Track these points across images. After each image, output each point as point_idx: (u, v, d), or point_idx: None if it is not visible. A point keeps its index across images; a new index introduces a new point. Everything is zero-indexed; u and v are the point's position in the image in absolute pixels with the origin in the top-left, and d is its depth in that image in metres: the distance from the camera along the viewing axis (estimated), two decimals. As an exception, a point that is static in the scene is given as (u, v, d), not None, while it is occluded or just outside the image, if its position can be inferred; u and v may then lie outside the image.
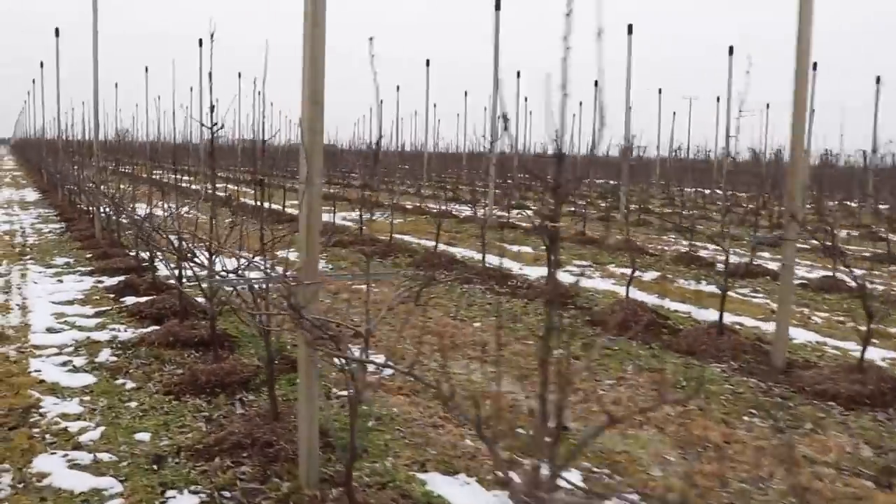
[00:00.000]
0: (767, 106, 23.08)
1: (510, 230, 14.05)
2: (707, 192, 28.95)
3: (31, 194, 21.08)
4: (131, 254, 9.31)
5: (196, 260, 4.90)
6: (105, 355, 5.36)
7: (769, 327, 6.98)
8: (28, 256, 9.75)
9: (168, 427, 4.05)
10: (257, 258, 4.20)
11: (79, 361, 5.22)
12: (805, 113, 5.20)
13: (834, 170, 26.00)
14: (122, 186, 9.20)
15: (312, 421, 3.27)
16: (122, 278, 7.99)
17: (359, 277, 5.16)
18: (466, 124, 34.62)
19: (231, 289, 4.11)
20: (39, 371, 4.98)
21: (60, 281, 8.09)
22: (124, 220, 8.62)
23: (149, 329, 6.00)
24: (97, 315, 6.55)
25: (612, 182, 25.16)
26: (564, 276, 9.50)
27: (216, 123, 4.43)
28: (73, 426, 4.04)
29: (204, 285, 4.80)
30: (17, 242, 11.07)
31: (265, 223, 4.18)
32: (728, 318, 7.34)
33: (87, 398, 4.50)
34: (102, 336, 5.85)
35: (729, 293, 9.14)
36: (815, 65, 19.60)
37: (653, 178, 29.72)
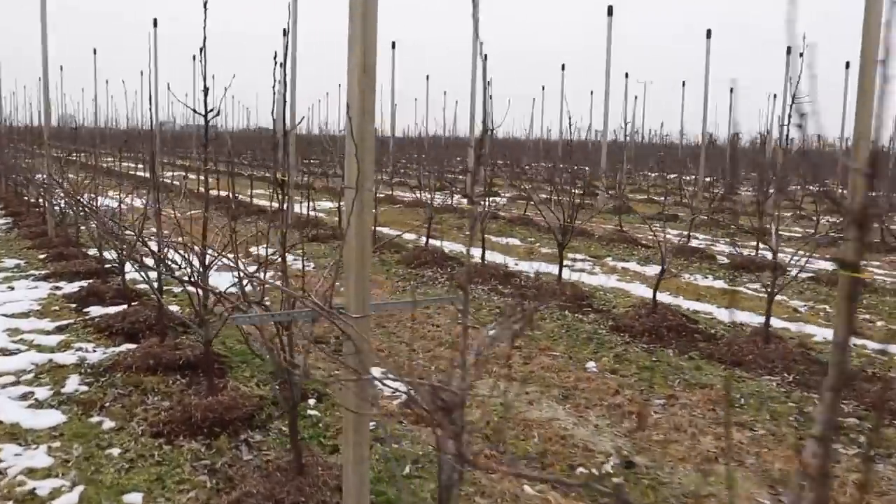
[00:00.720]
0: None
1: (491, 220, 13.40)
2: (671, 176, 28.82)
3: (-29, 185, 19.62)
4: (91, 253, 8.39)
5: (178, 266, 4.13)
6: (73, 383, 4.54)
7: (800, 328, 6.50)
8: (-28, 258, 8.73)
9: (163, 483, 3.30)
10: (259, 271, 3.46)
11: (42, 393, 4.39)
12: (871, 105, 4.64)
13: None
14: (79, 178, 8.24)
15: (362, 488, 2.57)
16: (83, 284, 7.10)
17: (411, 305, 4.43)
18: (428, 110, 33.79)
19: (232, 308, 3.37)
20: (-5, 408, 4.15)
21: (11, 288, 7.15)
22: (84, 216, 7.70)
23: (122, 348, 5.18)
24: (59, 331, 5.69)
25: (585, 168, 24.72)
26: (565, 272, 8.90)
27: (212, 109, 3.65)
28: (43, 487, 3.26)
29: (199, 296, 4.03)
30: (-41, 241, 9.98)
31: (241, 218, 3.43)
32: (745, 317, 6.85)
33: (56, 444, 3.70)
34: (68, 358, 5.01)
35: (740, 288, 8.73)
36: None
37: (617, 163, 29.27)
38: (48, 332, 5.64)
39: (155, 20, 18.72)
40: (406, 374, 2.39)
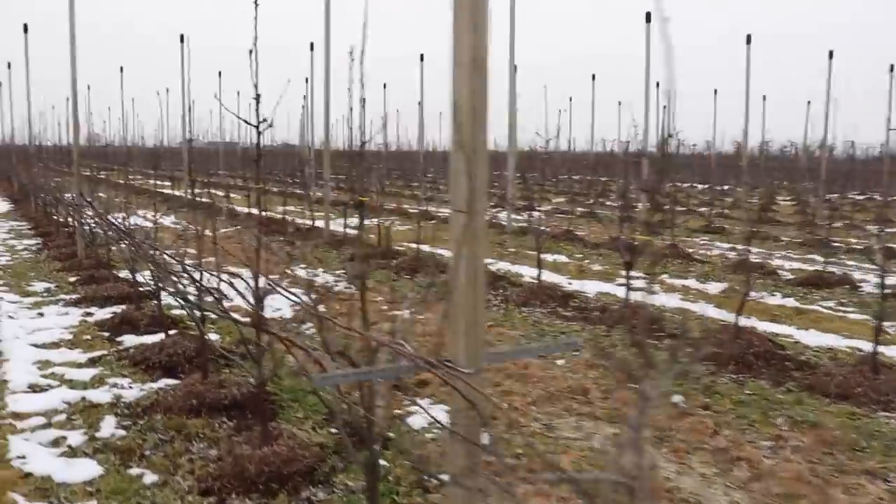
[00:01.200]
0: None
1: (528, 235, 12.85)
2: (685, 185, 28.04)
3: (1, 204, 19.49)
4: (122, 275, 7.99)
5: (223, 296, 3.67)
6: (109, 426, 4.09)
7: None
8: (0, 282, 8.37)
9: (217, 556, 2.81)
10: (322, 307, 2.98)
11: (76, 438, 3.94)
12: None
13: None
14: (111, 197, 7.86)
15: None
16: (115, 310, 6.69)
17: (531, 354, 3.91)
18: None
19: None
20: (24, 458, 3.70)
21: (41, 314, 6.75)
22: (116, 238, 7.31)
23: (160, 384, 4.73)
24: (91, 363, 5.25)
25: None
26: (621, 290, 8.35)
27: (264, 120, 3.18)
28: (79, 561, 2.78)
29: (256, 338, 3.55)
30: (-13, 264, 9.66)
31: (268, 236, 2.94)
32: (830, 340, 6.26)
33: (93, 504, 3.23)
34: (102, 396, 4.56)
35: (811, 307, 8.11)
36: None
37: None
38: (80, 365, 5.20)
39: (182, 36, 18.51)
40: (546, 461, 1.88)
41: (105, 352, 5.49)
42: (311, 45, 17.94)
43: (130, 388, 4.71)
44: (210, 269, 4.12)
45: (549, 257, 10.77)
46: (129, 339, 5.77)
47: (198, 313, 4.51)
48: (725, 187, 25.18)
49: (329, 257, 10.08)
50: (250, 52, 3.38)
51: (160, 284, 5.46)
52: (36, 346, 5.70)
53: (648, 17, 15.36)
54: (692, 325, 6.68)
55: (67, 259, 9.52)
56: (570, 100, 30.40)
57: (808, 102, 22.34)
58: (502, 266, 9.71)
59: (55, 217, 13.04)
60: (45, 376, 4.97)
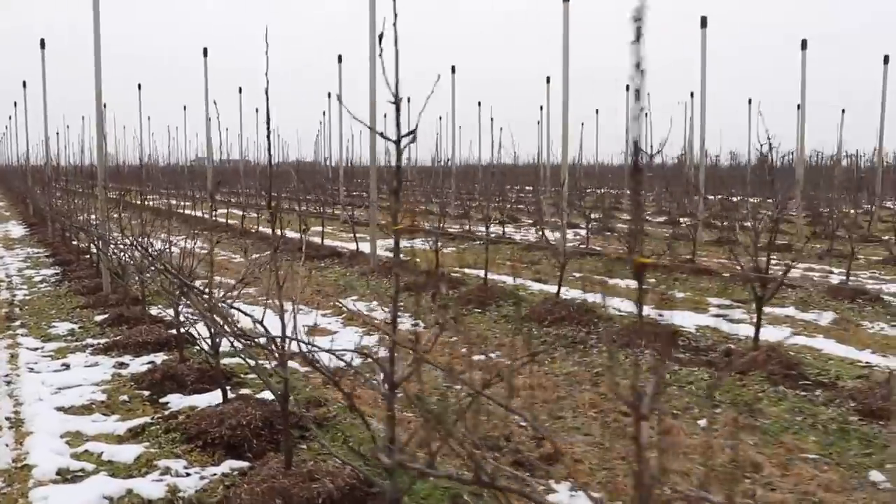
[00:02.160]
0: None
1: (591, 257, 11.85)
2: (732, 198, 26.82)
3: (16, 229, 18.65)
4: (154, 311, 7.01)
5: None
6: (168, 541, 3.08)
7: None
8: (18, 322, 7.42)
9: None
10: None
11: (125, 561, 2.94)
12: None
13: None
14: (140, 222, 6.89)
15: None
16: (153, 359, 5.73)
17: None
18: (480, 137, 32.42)
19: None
20: None
21: (66, 366, 5.77)
22: (150, 269, 6.34)
23: (223, 467, 3.73)
24: (133, 436, 4.26)
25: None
26: (720, 323, 7.30)
27: (411, 131, 2.20)
28: None
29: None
30: (3, 299, 8.72)
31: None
32: None
33: None
34: (153, 488, 3.56)
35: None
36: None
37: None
38: (120, 439, 4.22)
39: (205, 49, 17.68)
40: None
41: (148, 419, 4.50)
42: (339, 56, 17.12)
43: (187, 474, 3.71)
44: (271, 307, 3.17)
45: (620, 282, 9.75)
46: (176, 401, 4.78)
47: (269, 366, 3.52)
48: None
49: (380, 286, 9.09)
50: (379, 38, 2.38)
51: (213, 329, 4.46)
52: (63, 409, 4.72)
53: (704, 21, 14.45)
54: (832, 367, 5.62)
55: (91, 293, 8.58)
56: (597, 112, 29.56)
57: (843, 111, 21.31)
58: (574, 294, 8.67)
59: (75, 243, 12.13)
60: (77, 456, 3.98)
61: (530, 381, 5.32)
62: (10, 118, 25.48)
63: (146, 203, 14.80)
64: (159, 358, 5.78)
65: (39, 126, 16.25)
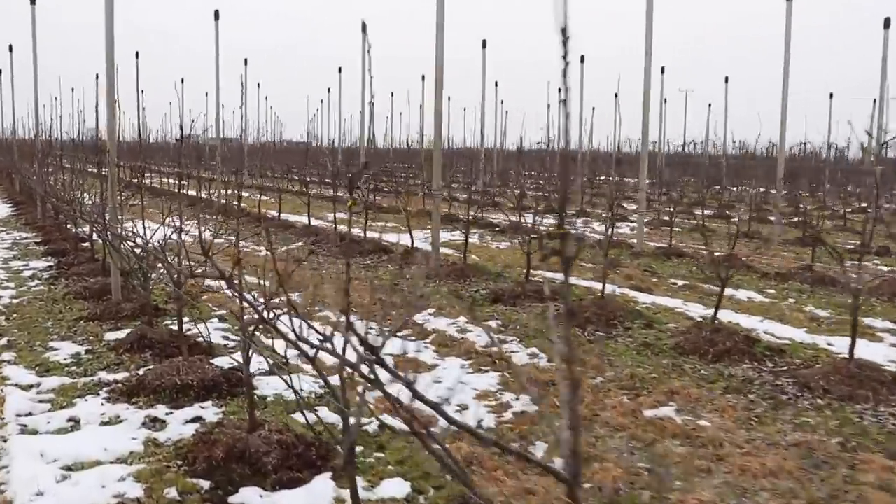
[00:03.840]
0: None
1: (672, 259, 10.13)
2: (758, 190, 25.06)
3: (1, 208, 16.74)
4: (190, 331, 5.25)
5: None
6: None
7: None
8: (3, 339, 5.66)
9: None
10: None
11: None
12: None
13: None
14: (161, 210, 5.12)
15: None
16: (199, 414, 3.99)
17: None
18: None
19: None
20: None
21: (74, 422, 4.02)
22: (169, 271, 4.59)
23: None
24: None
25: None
26: (799, 334, 5.62)
27: None
28: None
29: None
30: (-16, 303, 6.92)
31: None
32: None
33: None
34: None
35: None
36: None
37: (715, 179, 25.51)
38: None
39: (217, 12, 15.73)
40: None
41: (219, 546, 2.78)
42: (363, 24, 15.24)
43: None
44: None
45: (676, 282, 8.12)
46: (255, 499, 3.06)
47: None
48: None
49: (460, 294, 7.37)
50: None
51: (290, 380, 2.70)
52: (77, 515, 2.99)
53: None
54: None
55: (96, 298, 6.81)
56: (665, 101, 27.58)
57: (875, 101, 19.45)
58: (673, 304, 6.96)
59: (70, 227, 10.28)
60: None
61: (752, 460, 3.63)
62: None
63: (161, 185, 12.93)
64: (209, 411, 4.06)
65: (28, 95, 14.34)
